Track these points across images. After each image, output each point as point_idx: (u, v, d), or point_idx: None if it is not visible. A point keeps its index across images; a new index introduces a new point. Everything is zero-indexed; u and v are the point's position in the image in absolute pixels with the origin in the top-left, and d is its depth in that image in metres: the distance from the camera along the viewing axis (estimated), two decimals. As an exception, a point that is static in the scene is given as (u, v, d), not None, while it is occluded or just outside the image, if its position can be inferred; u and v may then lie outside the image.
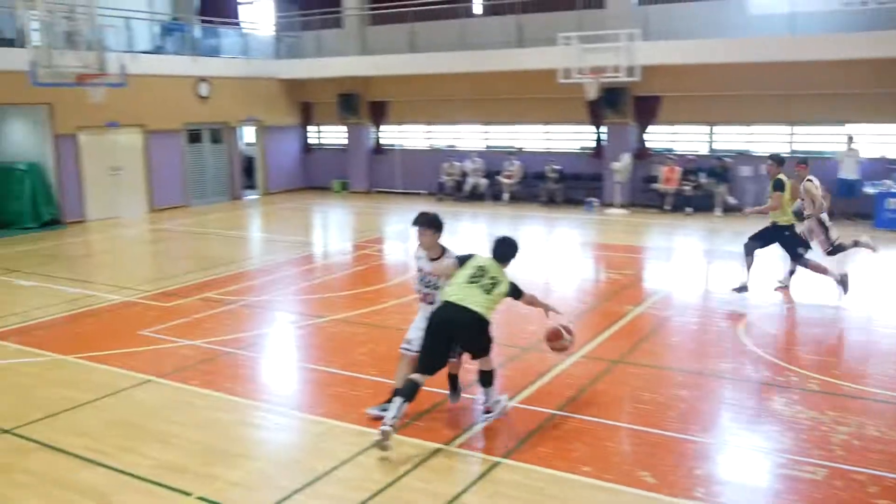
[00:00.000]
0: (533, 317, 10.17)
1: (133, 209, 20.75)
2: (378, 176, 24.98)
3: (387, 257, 14.95)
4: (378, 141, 24.76)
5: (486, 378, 6.86)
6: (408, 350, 6.84)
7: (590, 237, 16.79)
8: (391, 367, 8.24)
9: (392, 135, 24.91)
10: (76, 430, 6.83)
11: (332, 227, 19.67)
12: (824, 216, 11.19)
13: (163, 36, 23.06)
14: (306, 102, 25.79)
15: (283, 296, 11.82)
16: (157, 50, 22.54)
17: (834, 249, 11.18)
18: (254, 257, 15.17)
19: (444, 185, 22.72)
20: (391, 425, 6.12)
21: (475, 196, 22.00)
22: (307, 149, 26.22)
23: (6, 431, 6.83)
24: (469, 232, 17.67)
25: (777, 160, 10.79)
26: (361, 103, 24.32)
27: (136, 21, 20.98)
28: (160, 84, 20.93)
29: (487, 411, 6.97)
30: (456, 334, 6.58)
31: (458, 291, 6.60)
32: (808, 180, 11.12)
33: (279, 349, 9.45)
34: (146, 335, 9.67)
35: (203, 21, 24.62)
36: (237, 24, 25.45)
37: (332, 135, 26.31)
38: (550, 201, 21.07)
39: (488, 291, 6.64)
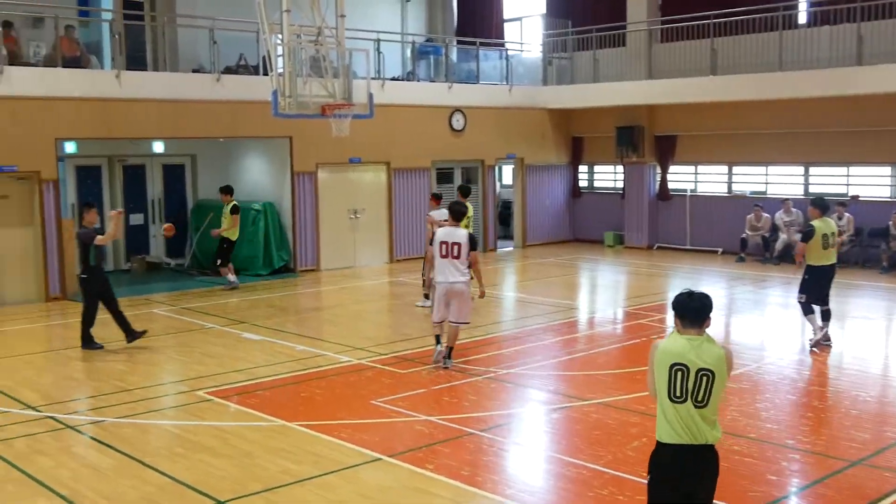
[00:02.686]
0: (863, 423, 9.51)
1: (371, 258, 22.01)
2: (662, 228, 24.69)
3: (668, 330, 14.65)
4: (664, 184, 24.51)
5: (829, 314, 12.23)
6: None
7: (946, 317, 15.45)
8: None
9: (682, 177, 24.58)
10: (295, 510, 7.28)
11: (600, 290, 19.63)
12: None
13: (414, 60, 24.47)
14: (577, 137, 26.16)
15: (537, 369, 11.92)
16: (408, 76, 23.98)
17: None
18: (505, 321, 15.48)
19: (746, 241, 21.99)
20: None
21: (787, 257, 21.03)
22: (576, 193, 26.49)
23: (222, 503, 7.43)
24: (776, 311, 16.93)
25: None
26: (644, 138, 24.26)
27: (386, 44, 22.50)
28: (409, 115, 22.22)
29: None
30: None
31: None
32: None
33: (530, 434, 9.53)
34: (378, 405, 10.15)
35: (460, 42, 25.85)
36: (501, 45, 26.45)
37: (607, 176, 26.42)
38: (894, 268, 19.67)
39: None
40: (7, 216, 16.97)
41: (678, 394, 5.21)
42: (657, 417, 5.37)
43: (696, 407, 5.19)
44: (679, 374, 5.20)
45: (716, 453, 5.34)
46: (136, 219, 21.43)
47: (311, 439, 9.03)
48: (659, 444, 5.38)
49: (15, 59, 16.98)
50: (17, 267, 17.06)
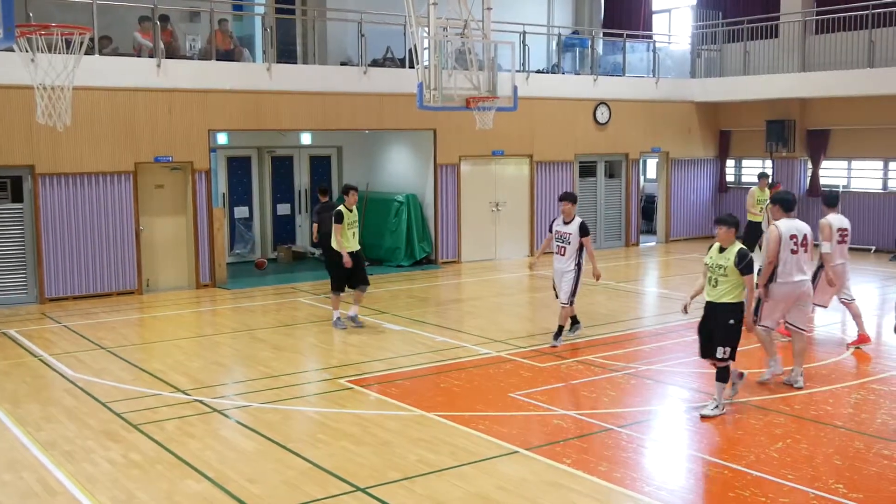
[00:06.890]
0: None
1: (512, 251, 22.08)
2: (812, 224, 23.73)
3: (816, 331, 14.18)
4: (815, 180, 23.73)
5: None
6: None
7: None
8: (810, 472, 7.89)
9: (834, 173, 23.74)
10: (432, 499, 7.40)
11: (747, 288, 19.16)
12: None
13: (560, 52, 24.38)
14: (724, 131, 25.63)
15: (678, 367, 11.74)
16: (553, 69, 23.92)
17: None
18: (646, 317, 15.30)
19: (904, 239, 21.12)
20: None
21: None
22: (722, 187, 25.97)
23: (362, 490, 7.62)
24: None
25: None
26: (795, 132, 23.54)
27: (531, 36, 22.48)
28: (553, 108, 22.18)
29: None
30: None
31: None
32: None
33: (669, 432, 9.42)
34: (516, 398, 10.20)
35: (607, 35, 25.62)
36: (648, 37, 26.06)
37: (755, 171, 25.77)
38: None
39: None
40: (161, 205, 17.72)
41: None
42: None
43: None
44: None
45: None
46: (283, 209, 22.09)
47: (449, 430, 9.16)
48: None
49: (172, 53, 17.71)
50: (169, 254, 17.80)
